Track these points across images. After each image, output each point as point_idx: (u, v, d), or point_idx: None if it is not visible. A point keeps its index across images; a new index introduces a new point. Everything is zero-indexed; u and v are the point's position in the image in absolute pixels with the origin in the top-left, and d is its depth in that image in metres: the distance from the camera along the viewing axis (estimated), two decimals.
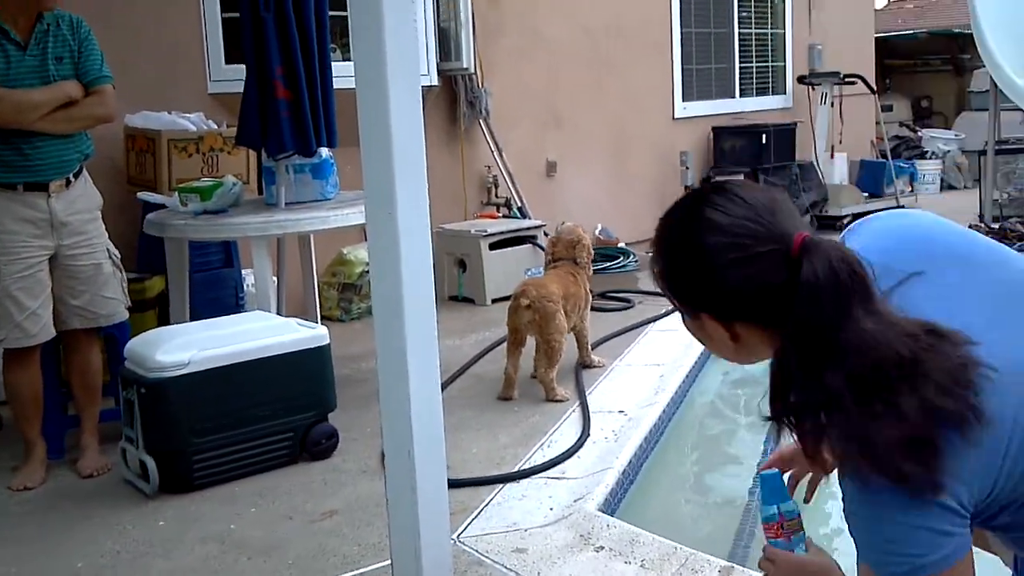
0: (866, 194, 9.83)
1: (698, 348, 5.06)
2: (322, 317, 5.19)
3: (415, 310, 2.29)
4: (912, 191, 10.63)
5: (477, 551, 2.96)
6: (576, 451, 3.76)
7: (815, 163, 9.39)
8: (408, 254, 2.27)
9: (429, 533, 2.38)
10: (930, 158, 11.99)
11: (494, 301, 6.42)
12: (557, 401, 4.37)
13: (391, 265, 2.27)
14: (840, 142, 9.94)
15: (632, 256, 7.73)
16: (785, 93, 10.22)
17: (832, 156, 9.72)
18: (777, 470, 1.81)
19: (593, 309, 6.22)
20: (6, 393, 3.90)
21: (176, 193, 4.50)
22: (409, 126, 2.25)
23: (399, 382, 2.31)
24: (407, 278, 2.27)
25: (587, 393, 4.43)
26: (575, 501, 3.30)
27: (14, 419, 3.90)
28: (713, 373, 5.20)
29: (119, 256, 3.94)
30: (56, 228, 3.69)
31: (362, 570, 2.89)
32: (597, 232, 8.22)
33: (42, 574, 3.01)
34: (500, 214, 7.29)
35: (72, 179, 3.74)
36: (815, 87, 9.75)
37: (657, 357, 4.95)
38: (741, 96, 9.73)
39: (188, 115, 5.24)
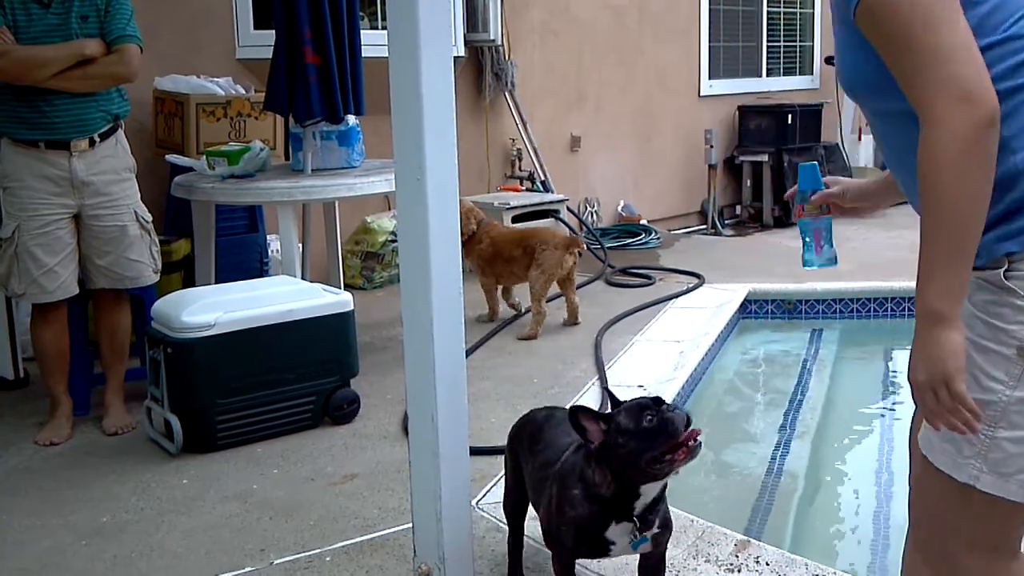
0: None
1: (718, 326, 5.07)
2: (345, 285, 5.22)
3: (442, 275, 2.31)
4: None
5: (495, 517, 2.99)
6: None
7: (840, 145, 9.33)
8: (436, 220, 2.28)
9: (450, 498, 2.40)
10: None
11: None
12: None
13: (419, 231, 2.29)
14: (866, 124, 9.85)
15: (654, 233, 7.72)
16: (812, 73, 10.14)
17: (859, 138, 9.65)
18: (815, 163, 2.06)
19: (614, 285, 6.26)
20: (33, 349, 3.95)
21: (204, 157, 4.53)
22: (440, 95, 2.26)
23: (424, 347, 2.33)
24: (435, 243, 2.28)
25: (606, 368, 4.45)
26: None
27: (40, 374, 3.95)
28: (732, 351, 5.22)
29: (150, 220, 3.92)
30: (77, 187, 3.69)
31: (382, 532, 2.93)
32: (620, 208, 8.21)
33: (67, 527, 3.06)
34: (523, 187, 7.28)
35: (98, 139, 3.72)
36: None
37: (677, 334, 4.96)
38: (768, 75, 9.67)
39: (216, 79, 5.26)
